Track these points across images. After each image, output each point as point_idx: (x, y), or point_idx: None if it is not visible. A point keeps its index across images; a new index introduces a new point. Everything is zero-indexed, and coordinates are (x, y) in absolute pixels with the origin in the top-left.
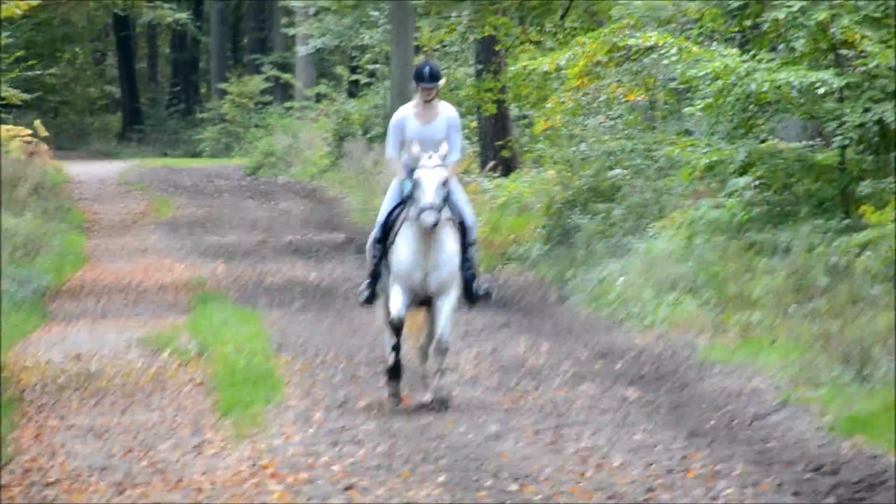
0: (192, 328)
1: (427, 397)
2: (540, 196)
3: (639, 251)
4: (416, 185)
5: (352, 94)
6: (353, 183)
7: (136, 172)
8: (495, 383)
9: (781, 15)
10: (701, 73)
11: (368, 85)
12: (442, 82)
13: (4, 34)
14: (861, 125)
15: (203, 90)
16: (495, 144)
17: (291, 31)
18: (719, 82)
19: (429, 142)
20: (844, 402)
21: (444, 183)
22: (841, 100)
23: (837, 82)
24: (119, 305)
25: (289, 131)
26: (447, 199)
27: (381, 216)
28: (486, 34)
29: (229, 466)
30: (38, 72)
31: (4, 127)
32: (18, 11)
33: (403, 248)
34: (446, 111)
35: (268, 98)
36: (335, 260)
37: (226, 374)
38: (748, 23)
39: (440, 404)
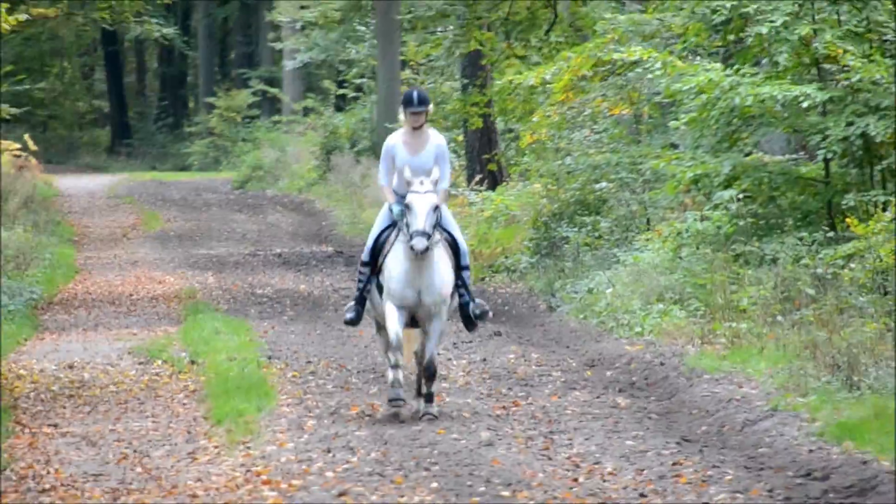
0: (183, 338)
1: (421, 408)
2: (527, 209)
3: (626, 262)
4: (407, 209)
5: (339, 108)
6: (340, 196)
7: (125, 186)
8: (486, 391)
9: (764, 30)
10: (685, 88)
11: (355, 99)
12: (430, 108)
13: None
14: (844, 138)
15: (191, 104)
16: (482, 158)
17: (279, 46)
18: (703, 96)
19: (419, 171)
20: (833, 408)
21: (435, 209)
22: (824, 113)
23: (821, 96)
24: (110, 316)
25: (276, 145)
26: (438, 225)
27: (371, 240)
28: (471, 49)
29: (223, 473)
30: (27, 86)
31: None
32: (7, 27)
33: (396, 267)
34: (435, 139)
35: (255, 112)
36: (324, 271)
37: (218, 383)
38: (732, 37)
39: (427, 421)
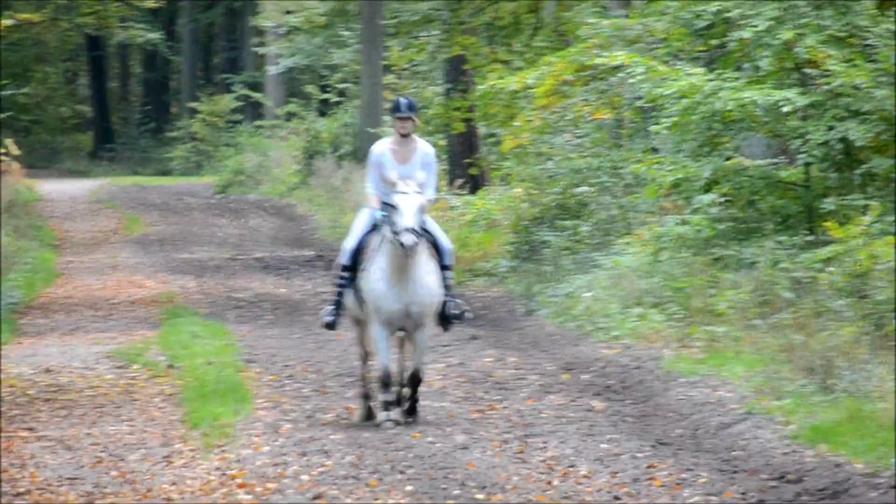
0: (162, 342)
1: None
2: (508, 212)
3: (605, 266)
4: (393, 209)
5: (322, 113)
6: (322, 200)
7: (107, 190)
8: (462, 395)
9: (747, 35)
10: (667, 92)
11: (338, 104)
12: (417, 122)
13: None
14: (825, 143)
15: (174, 109)
16: (464, 162)
17: (262, 51)
18: (685, 101)
19: (406, 179)
20: (808, 412)
21: (422, 209)
22: (805, 118)
23: (802, 101)
24: (90, 320)
25: (259, 150)
26: (424, 227)
27: (352, 243)
28: (454, 54)
29: (199, 477)
30: (10, 91)
31: None
32: None
33: (379, 279)
34: (423, 148)
35: (238, 117)
36: (304, 276)
37: (195, 387)
38: (714, 42)
39: (409, 418)
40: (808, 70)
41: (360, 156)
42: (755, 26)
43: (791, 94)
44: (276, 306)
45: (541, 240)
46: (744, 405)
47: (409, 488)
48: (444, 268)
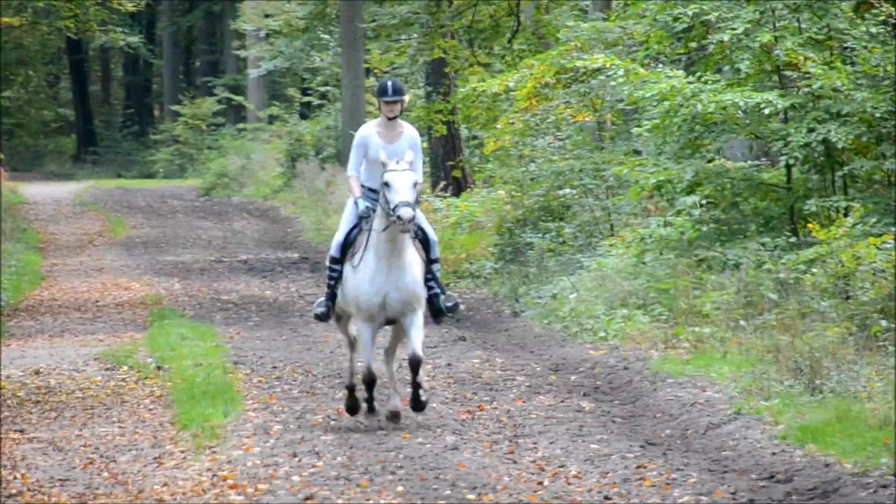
0: (149, 344)
1: (394, 402)
2: (491, 215)
3: (590, 268)
4: (386, 186)
5: (304, 116)
6: (306, 203)
7: (91, 193)
8: (451, 396)
9: (726, 37)
10: (648, 95)
11: (320, 107)
12: (406, 98)
13: None
14: (806, 145)
15: (156, 112)
16: (446, 164)
17: (243, 54)
18: (666, 103)
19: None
20: (796, 412)
21: (415, 185)
22: (786, 120)
23: (782, 103)
24: (77, 322)
25: (242, 152)
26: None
27: (340, 235)
28: (435, 56)
29: (190, 478)
30: None
31: None
32: None
33: (364, 273)
34: (409, 131)
35: (220, 120)
36: (289, 278)
37: (184, 388)
38: (693, 45)
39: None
40: (787, 72)
41: (342, 158)
42: (734, 29)
43: (771, 96)
44: (262, 308)
45: (525, 242)
46: (732, 405)
47: (399, 489)
48: (432, 261)
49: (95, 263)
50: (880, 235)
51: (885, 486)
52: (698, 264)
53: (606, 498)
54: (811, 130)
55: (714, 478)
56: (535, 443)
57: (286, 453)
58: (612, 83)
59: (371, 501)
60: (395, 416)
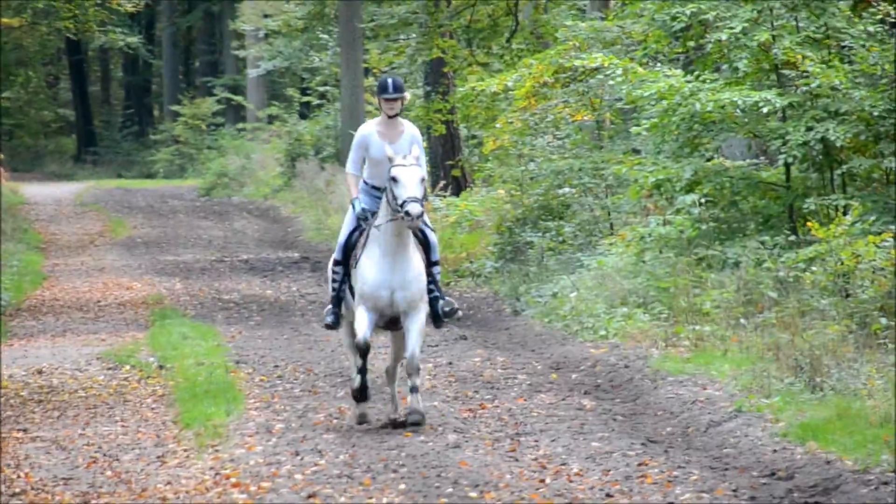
0: (151, 343)
1: (399, 413)
2: (491, 214)
3: (590, 266)
4: (394, 182)
5: (303, 116)
6: (306, 202)
7: (92, 193)
8: (453, 394)
9: (724, 36)
10: (646, 94)
11: (319, 106)
12: (407, 95)
13: None
14: (804, 143)
15: (156, 112)
16: (445, 164)
17: (242, 54)
18: (664, 102)
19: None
20: (796, 409)
21: (422, 180)
22: (784, 119)
23: (780, 102)
24: (79, 322)
25: (241, 152)
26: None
27: (342, 238)
28: (434, 56)
29: (193, 476)
30: None
31: None
32: None
33: (369, 266)
34: (410, 129)
35: (220, 120)
36: (290, 277)
37: (187, 388)
38: (691, 44)
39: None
40: (785, 71)
41: (342, 158)
42: (731, 28)
43: (770, 94)
44: (263, 307)
45: (525, 241)
46: (733, 403)
47: (402, 487)
48: (432, 264)
49: (97, 263)
50: (879, 233)
51: (885, 483)
52: (698, 263)
53: (608, 495)
54: (809, 129)
55: (715, 475)
56: (536, 441)
57: (289, 452)
58: (611, 82)
59: (373, 499)
60: (401, 424)
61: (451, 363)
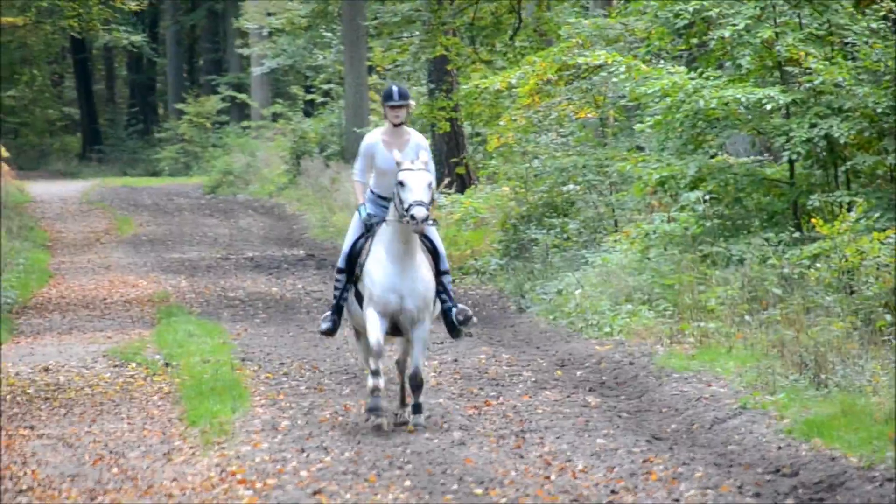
0: (157, 341)
1: (404, 413)
2: (495, 211)
3: (595, 263)
4: (401, 185)
5: (307, 114)
6: (311, 200)
7: (98, 191)
8: (458, 391)
9: (727, 33)
10: (650, 91)
11: (323, 104)
12: (412, 103)
13: None
14: (808, 140)
15: (161, 111)
16: (450, 161)
17: (246, 52)
18: (668, 99)
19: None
20: (801, 406)
21: (430, 185)
22: (788, 115)
23: (784, 98)
24: (85, 320)
25: (246, 150)
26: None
27: (346, 246)
28: (437, 54)
29: (199, 473)
30: None
31: None
32: None
33: (377, 271)
34: (416, 138)
35: (225, 118)
36: (296, 275)
37: (192, 385)
38: (695, 41)
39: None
40: (788, 68)
41: (347, 155)
42: (735, 25)
43: (773, 91)
44: (269, 305)
45: (529, 238)
46: (737, 400)
47: (407, 483)
48: (442, 273)
49: (103, 261)
50: (884, 230)
51: (890, 480)
52: (702, 260)
53: (613, 492)
54: (813, 126)
55: (720, 472)
56: (541, 438)
57: (294, 449)
58: (614, 80)
59: (379, 496)
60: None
61: (456, 360)
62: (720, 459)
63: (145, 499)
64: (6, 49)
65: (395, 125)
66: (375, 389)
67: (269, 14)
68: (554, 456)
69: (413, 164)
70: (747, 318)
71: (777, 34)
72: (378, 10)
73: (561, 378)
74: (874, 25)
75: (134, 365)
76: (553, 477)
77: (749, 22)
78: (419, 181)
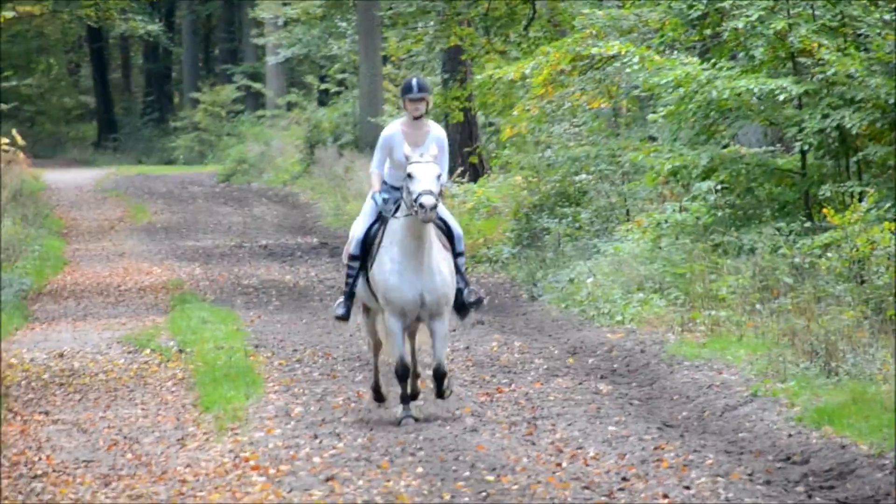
0: (171, 327)
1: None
2: (508, 200)
3: (607, 252)
4: (409, 177)
5: (322, 103)
6: (324, 189)
7: (112, 180)
8: (470, 378)
9: (740, 24)
10: (663, 81)
11: (338, 94)
12: (432, 97)
13: None
14: (820, 131)
15: (176, 100)
16: (463, 151)
17: (261, 42)
18: (681, 90)
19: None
20: (812, 394)
21: (439, 176)
22: (800, 106)
23: (796, 89)
24: (99, 306)
25: (261, 139)
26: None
27: (360, 233)
28: (451, 44)
29: (212, 459)
30: (13, 82)
31: None
32: None
33: (390, 270)
34: (435, 132)
35: (240, 107)
36: (309, 262)
37: (206, 371)
38: (708, 32)
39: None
40: (801, 59)
41: (360, 145)
42: (748, 16)
43: (786, 82)
44: (282, 292)
45: (542, 227)
46: (748, 388)
47: (419, 470)
48: (457, 255)
49: (117, 248)
50: (895, 220)
51: None
52: (714, 249)
53: (624, 479)
54: (825, 116)
55: (731, 459)
56: (553, 425)
57: (307, 435)
58: (628, 70)
59: (391, 482)
60: (415, 395)
61: (468, 348)
62: (731, 447)
63: (159, 485)
64: (23, 38)
65: (415, 118)
66: (406, 418)
67: (285, 4)
68: (566, 443)
69: (421, 157)
70: (758, 306)
71: (790, 25)
72: (393, 1)
73: (573, 366)
74: (887, 17)
75: (148, 351)
76: (565, 464)
77: (762, 13)
78: (427, 172)
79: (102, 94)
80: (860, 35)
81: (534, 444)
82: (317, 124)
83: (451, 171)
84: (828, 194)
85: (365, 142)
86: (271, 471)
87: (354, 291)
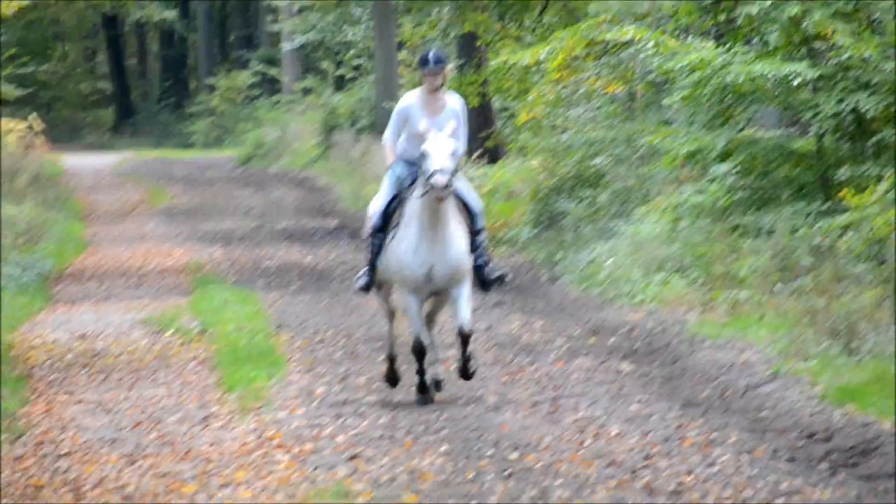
0: (193, 309)
1: (436, 370)
2: (526, 183)
3: (626, 234)
4: (423, 156)
5: (338, 88)
6: (342, 172)
7: (131, 164)
8: (492, 358)
9: (754, 10)
10: (678, 66)
11: (353, 79)
12: (449, 68)
13: None
14: (836, 114)
15: (192, 85)
16: (479, 135)
17: (276, 28)
18: (696, 74)
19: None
20: (834, 373)
21: (454, 154)
22: (815, 90)
23: (811, 74)
24: (121, 288)
25: (277, 124)
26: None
27: (381, 204)
28: (466, 30)
29: (236, 438)
30: (31, 69)
31: (2, 121)
32: (9, 12)
33: (405, 247)
34: (453, 103)
35: (256, 92)
36: (329, 244)
37: (228, 352)
38: (722, 17)
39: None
40: (816, 44)
41: (377, 129)
42: (762, 1)
43: (800, 67)
44: (302, 274)
45: (560, 209)
46: (770, 367)
47: (443, 448)
48: (477, 231)
49: (137, 231)
50: None
51: None
52: (733, 230)
53: (648, 457)
54: (841, 100)
55: (754, 437)
56: (575, 404)
57: (330, 415)
58: (642, 55)
59: (415, 461)
60: (437, 385)
61: (489, 328)
62: (754, 425)
63: (183, 463)
64: (39, 25)
65: (432, 91)
66: (422, 385)
67: None
68: (588, 422)
69: (437, 134)
70: (779, 286)
71: (804, 10)
72: None
73: (594, 346)
74: None
75: (170, 332)
76: (587, 442)
77: None
78: (442, 149)
79: (119, 80)
80: (875, 20)
81: (556, 423)
82: (333, 109)
83: (470, 155)
84: (845, 177)
85: (381, 126)
86: (295, 449)
87: (376, 264)
